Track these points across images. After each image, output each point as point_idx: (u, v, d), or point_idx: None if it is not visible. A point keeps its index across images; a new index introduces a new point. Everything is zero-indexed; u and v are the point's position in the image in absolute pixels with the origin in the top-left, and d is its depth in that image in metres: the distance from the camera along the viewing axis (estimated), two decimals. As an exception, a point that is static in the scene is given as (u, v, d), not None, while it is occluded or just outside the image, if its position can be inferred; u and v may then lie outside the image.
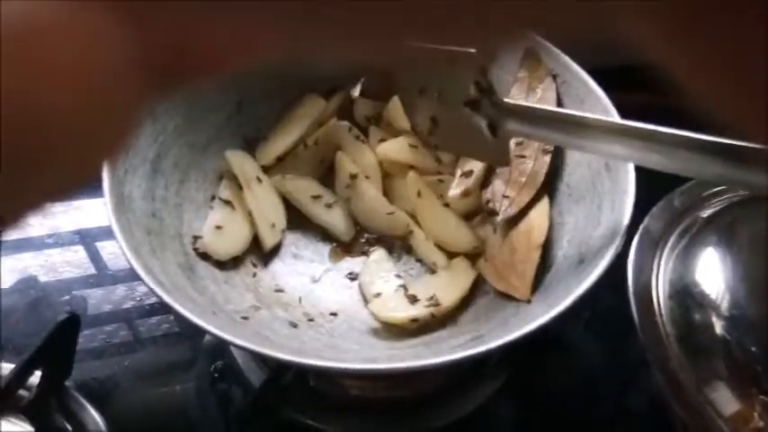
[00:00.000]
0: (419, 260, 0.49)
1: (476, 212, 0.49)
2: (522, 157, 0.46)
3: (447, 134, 0.43)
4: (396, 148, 0.50)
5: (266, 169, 0.50)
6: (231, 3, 0.13)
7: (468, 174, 0.47)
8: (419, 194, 0.48)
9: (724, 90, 0.13)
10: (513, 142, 0.44)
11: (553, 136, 0.39)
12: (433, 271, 0.47)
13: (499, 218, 0.45)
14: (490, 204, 0.46)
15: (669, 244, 0.47)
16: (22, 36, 0.11)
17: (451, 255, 0.48)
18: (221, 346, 0.50)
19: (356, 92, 0.53)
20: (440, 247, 0.48)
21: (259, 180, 0.49)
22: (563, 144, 0.42)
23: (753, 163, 0.30)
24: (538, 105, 0.43)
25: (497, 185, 0.47)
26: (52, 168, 0.13)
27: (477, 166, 0.47)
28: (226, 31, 0.13)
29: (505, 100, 0.40)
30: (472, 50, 0.37)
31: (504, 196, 0.46)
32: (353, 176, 0.49)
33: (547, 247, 0.43)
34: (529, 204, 0.44)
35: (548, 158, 0.45)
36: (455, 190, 0.48)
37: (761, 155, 0.30)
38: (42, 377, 0.44)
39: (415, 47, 0.15)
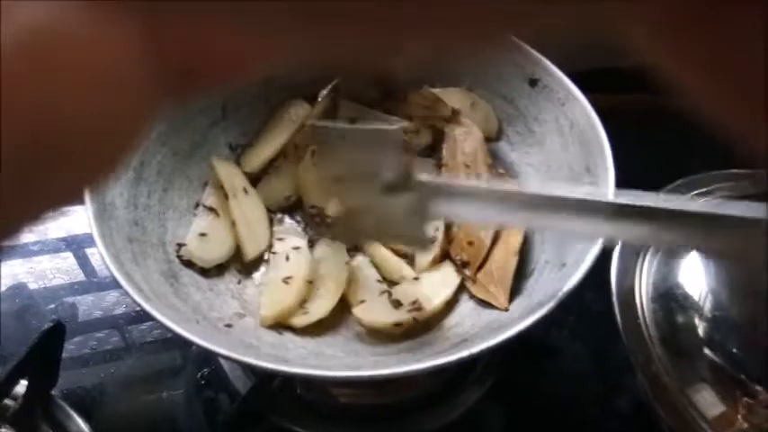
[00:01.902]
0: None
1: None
2: None
3: (361, 222, 0.39)
4: None
5: (251, 176, 0.50)
6: (245, 5, 0.13)
7: (432, 240, 0.45)
8: None
9: (719, 90, 0.13)
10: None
11: (481, 214, 0.34)
12: (416, 278, 0.46)
13: (470, 271, 0.44)
14: (459, 258, 0.45)
15: (652, 246, 0.47)
16: (40, 41, 0.11)
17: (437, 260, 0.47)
18: (209, 354, 0.50)
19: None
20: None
21: (245, 191, 0.49)
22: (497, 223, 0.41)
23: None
24: (463, 183, 0.40)
25: (460, 236, 0.45)
26: (58, 174, 0.13)
27: (439, 228, 0.46)
28: (242, 37, 0.13)
29: (428, 179, 0.35)
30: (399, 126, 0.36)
31: (469, 243, 0.45)
32: None
33: (529, 252, 0.43)
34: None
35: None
36: (423, 260, 0.46)
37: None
38: (28, 386, 0.44)
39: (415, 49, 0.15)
